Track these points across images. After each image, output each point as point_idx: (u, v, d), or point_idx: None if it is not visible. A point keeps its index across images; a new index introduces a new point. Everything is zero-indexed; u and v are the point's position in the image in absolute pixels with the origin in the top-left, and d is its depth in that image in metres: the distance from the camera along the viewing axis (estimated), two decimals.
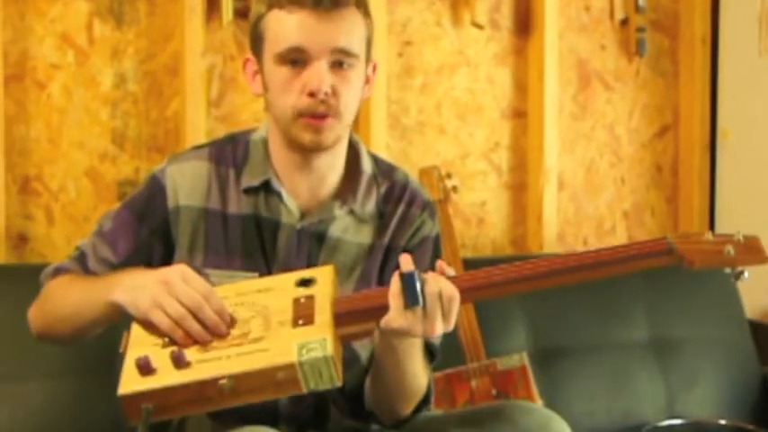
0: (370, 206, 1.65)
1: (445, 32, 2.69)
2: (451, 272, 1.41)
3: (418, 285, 1.33)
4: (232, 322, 1.41)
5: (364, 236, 1.65)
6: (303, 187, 1.63)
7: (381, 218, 1.66)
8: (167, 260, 1.61)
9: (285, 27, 1.52)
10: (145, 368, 1.33)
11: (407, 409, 1.63)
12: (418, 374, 1.57)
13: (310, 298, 1.42)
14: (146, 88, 2.43)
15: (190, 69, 2.38)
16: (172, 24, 2.42)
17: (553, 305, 2.38)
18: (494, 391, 2.20)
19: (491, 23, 2.72)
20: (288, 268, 1.58)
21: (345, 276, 1.63)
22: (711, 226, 2.90)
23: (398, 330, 1.37)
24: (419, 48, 2.66)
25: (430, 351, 1.67)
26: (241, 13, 2.45)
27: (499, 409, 1.55)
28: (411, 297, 1.33)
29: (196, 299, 1.39)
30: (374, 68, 1.66)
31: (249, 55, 1.62)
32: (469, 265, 2.34)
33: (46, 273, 1.68)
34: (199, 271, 1.51)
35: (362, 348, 1.62)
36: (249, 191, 1.62)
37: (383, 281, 1.63)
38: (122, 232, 1.63)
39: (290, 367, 1.31)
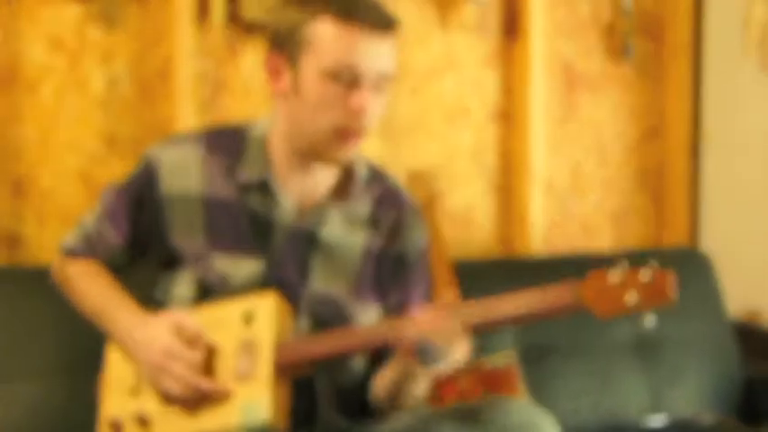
0: (364, 209, 1.68)
1: (433, 35, 2.71)
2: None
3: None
4: None
5: (357, 238, 1.67)
6: (298, 188, 1.65)
7: (374, 222, 1.68)
8: (159, 244, 1.67)
9: (341, 43, 1.52)
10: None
11: None
12: None
13: (252, 344, 1.52)
14: (137, 91, 2.44)
15: (181, 72, 2.39)
16: (163, 28, 2.43)
17: None
18: (481, 390, 2.21)
19: (478, 26, 2.74)
20: (281, 266, 1.62)
21: (340, 279, 1.65)
22: (697, 228, 2.92)
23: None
24: (407, 50, 2.67)
25: None
26: (232, 17, 2.46)
27: (490, 405, 1.57)
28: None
29: (192, 382, 1.51)
30: None
31: (274, 52, 1.59)
32: (457, 267, 2.36)
33: (62, 250, 1.76)
34: (205, 255, 1.60)
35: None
36: (244, 185, 1.64)
37: (379, 286, 1.68)
38: (123, 213, 1.69)
39: (234, 429, 1.50)
